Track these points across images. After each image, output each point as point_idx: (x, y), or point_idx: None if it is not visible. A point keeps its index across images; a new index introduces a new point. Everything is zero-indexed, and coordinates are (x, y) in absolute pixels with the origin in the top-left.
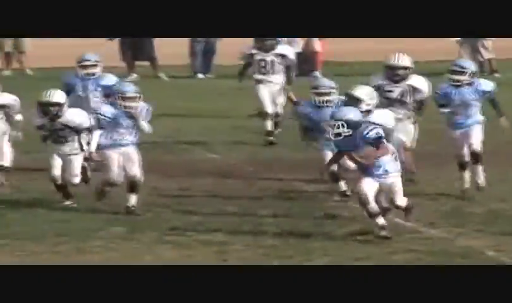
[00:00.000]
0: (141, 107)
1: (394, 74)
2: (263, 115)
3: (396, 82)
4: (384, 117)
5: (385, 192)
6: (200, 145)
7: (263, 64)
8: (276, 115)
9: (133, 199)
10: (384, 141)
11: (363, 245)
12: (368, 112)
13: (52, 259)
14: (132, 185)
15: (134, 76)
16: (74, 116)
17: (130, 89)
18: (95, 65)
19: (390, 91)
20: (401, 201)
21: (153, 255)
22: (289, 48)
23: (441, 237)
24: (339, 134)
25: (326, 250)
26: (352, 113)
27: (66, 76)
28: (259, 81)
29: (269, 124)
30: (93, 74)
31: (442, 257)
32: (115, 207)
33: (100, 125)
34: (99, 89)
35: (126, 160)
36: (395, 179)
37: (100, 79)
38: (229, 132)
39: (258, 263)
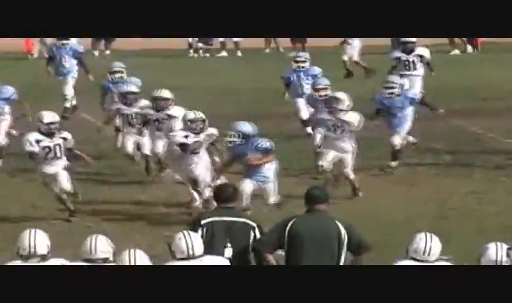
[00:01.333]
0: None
1: None
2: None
3: None
4: (352, 117)
5: (262, 192)
6: None
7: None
8: None
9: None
10: (272, 151)
11: None
12: (342, 111)
13: None
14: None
15: None
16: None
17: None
18: (305, 61)
19: None
20: (273, 199)
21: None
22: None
23: None
24: (233, 142)
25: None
26: (246, 127)
27: (285, 70)
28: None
29: None
30: (303, 67)
31: None
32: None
33: None
34: (309, 78)
35: None
36: (271, 185)
37: (309, 71)
38: None
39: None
